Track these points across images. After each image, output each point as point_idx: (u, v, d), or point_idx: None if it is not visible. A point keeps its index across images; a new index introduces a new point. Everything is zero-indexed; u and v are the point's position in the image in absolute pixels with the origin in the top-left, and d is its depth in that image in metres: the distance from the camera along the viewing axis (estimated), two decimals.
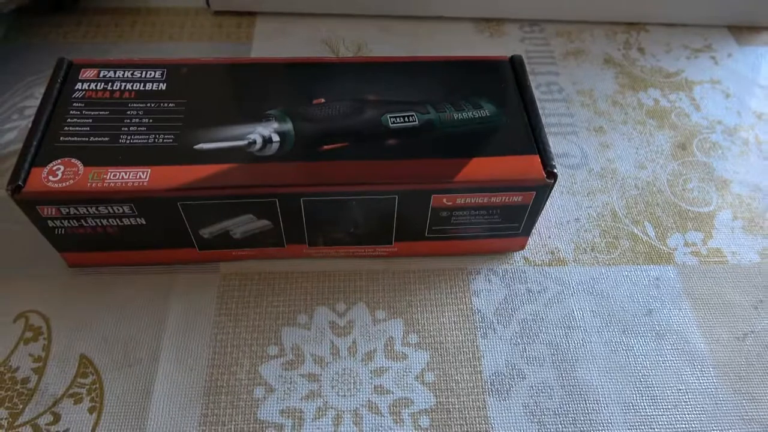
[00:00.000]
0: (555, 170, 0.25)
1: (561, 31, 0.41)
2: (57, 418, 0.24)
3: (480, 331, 0.27)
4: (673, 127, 0.35)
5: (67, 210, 0.24)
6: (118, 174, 0.24)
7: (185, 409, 0.24)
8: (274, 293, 0.28)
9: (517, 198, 0.25)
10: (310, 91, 0.27)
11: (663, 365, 0.27)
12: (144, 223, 0.25)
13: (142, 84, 0.27)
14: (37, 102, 0.35)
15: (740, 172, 0.33)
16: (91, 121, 0.25)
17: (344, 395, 0.25)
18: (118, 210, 0.24)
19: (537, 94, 0.37)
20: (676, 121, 0.36)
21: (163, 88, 0.27)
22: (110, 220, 0.25)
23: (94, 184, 0.23)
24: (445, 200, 0.25)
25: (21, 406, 0.24)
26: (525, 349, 0.27)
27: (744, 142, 0.35)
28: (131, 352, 0.26)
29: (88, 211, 0.24)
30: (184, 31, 0.40)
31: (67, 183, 0.23)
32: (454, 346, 0.27)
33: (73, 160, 0.24)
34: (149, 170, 0.24)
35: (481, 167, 0.25)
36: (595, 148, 0.34)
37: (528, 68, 0.38)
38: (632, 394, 0.26)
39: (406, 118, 0.26)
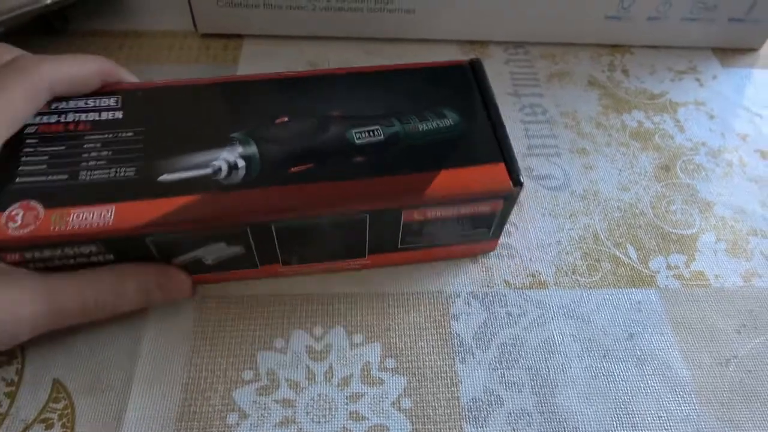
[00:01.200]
0: (521, 178, 0.25)
1: (545, 53, 0.41)
2: None
3: (459, 355, 0.27)
4: (657, 149, 0.35)
5: (32, 255, 0.23)
6: (81, 215, 0.23)
7: None
8: (252, 316, 0.28)
9: (485, 207, 0.26)
10: (272, 110, 0.26)
11: (644, 391, 0.26)
12: (113, 258, 0.24)
13: (96, 113, 0.26)
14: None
15: (724, 194, 0.33)
16: (47, 158, 0.24)
17: (319, 421, 0.25)
18: (85, 250, 0.24)
19: (520, 116, 0.37)
20: (660, 143, 0.36)
21: (120, 116, 0.26)
22: (78, 258, 0.24)
23: (57, 228, 0.22)
24: (415, 215, 0.25)
25: None
26: (504, 374, 0.26)
27: (728, 164, 0.35)
28: (104, 376, 0.26)
29: (53, 253, 0.23)
30: (171, 53, 0.40)
31: (29, 229, 0.22)
32: (431, 371, 0.26)
33: (32, 203, 0.23)
34: (113, 208, 0.23)
35: (448, 180, 0.25)
36: (578, 170, 0.34)
37: (512, 90, 0.38)
38: (612, 421, 0.25)
39: (372, 133, 0.26)
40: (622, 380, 0.26)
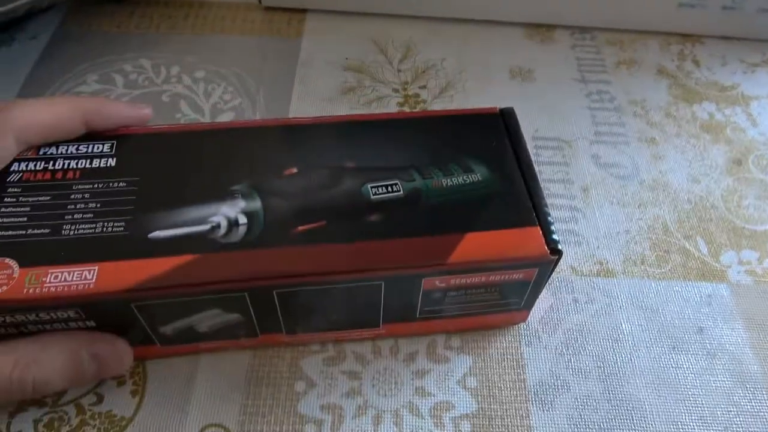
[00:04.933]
0: (559, 246, 0.22)
1: (613, 40, 0.40)
2: (100, 399, 0.24)
3: (525, 338, 0.27)
4: (728, 142, 0.34)
5: (2, 319, 0.21)
6: (60, 275, 0.20)
7: (226, 399, 0.24)
8: None
9: (517, 276, 0.23)
10: (280, 160, 0.24)
11: (713, 385, 0.26)
12: (94, 325, 0.22)
13: (87, 160, 0.23)
14: (90, 89, 0.35)
15: None
16: (28, 209, 0.22)
17: (385, 395, 0.25)
18: (63, 315, 0.21)
19: (587, 102, 0.36)
20: (732, 136, 0.35)
21: (113, 163, 0.23)
22: (54, 324, 0.21)
23: (31, 290, 0.20)
24: (437, 282, 0.22)
25: None
26: (570, 359, 0.26)
27: None
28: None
29: (27, 318, 0.21)
30: (235, 25, 0.40)
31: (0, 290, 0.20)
32: (497, 353, 0.26)
33: (6, 261, 0.20)
34: (96, 268, 0.20)
35: (475, 244, 0.22)
36: (647, 160, 0.33)
37: (578, 75, 0.38)
38: (681, 412, 0.25)
39: (390, 188, 0.23)
40: (691, 373, 0.26)
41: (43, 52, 0.38)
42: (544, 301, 0.28)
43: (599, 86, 0.37)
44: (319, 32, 0.39)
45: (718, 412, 0.25)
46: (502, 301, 0.24)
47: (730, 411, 0.25)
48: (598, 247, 0.30)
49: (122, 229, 0.22)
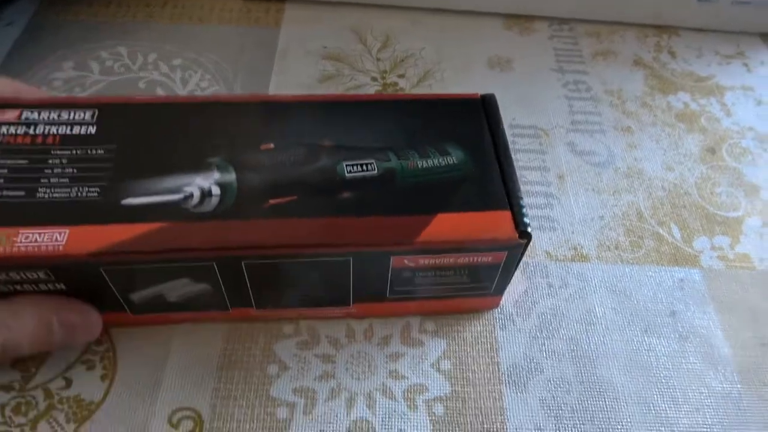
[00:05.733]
0: (528, 229, 0.22)
1: (590, 31, 0.40)
2: (69, 383, 0.24)
3: (499, 322, 0.27)
4: (703, 131, 0.35)
5: None
6: (31, 236, 0.20)
7: (198, 383, 0.24)
8: None
9: (486, 258, 0.23)
10: (258, 135, 0.24)
11: (685, 367, 0.26)
12: (64, 288, 0.22)
13: (68, 127, 0.23)
14: (65, 75, 0.35)
15: None
16: (6, 171, 0.22)
17: (358, 378, 0.25)
18: (32, 276, 0.21)
19: (564, 91, 0.36)
20: (706, 125, 0.35)
21: (93, 131, 0.23)
22: (24, 285, 0.22)
23: (1, 249, 0.20)
24: (406, 261, 0.22)
25: (33, 370, 0.24)
26: (544, 343, 0.26)
27: None
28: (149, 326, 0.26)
29: None
30: (213, 14, 0.40)
31: None
32: (471, 336, 0.26)
33: None
34: (67, 231, 0.21)
35: (446, 225, 0.22)
36: (622, 148, 0.34)
37: (556, 66, 0.38)
38: (653, 394, 0.25)
39: (364, 167, 0.23)
40: (663, 355, 0.26)
41: (19, 38, 0.37)
42: (518, 285, 0.28)
43: (576, 76, 0.37)
44: (298, 21, 0.39)
45: (690, 394, 0.25)
46: (473, 284, 0.24)
47: (702, 392, 0.25)
48: (573, 232, 0.30)
49: (96, 194, 0.22)
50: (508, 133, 0.34)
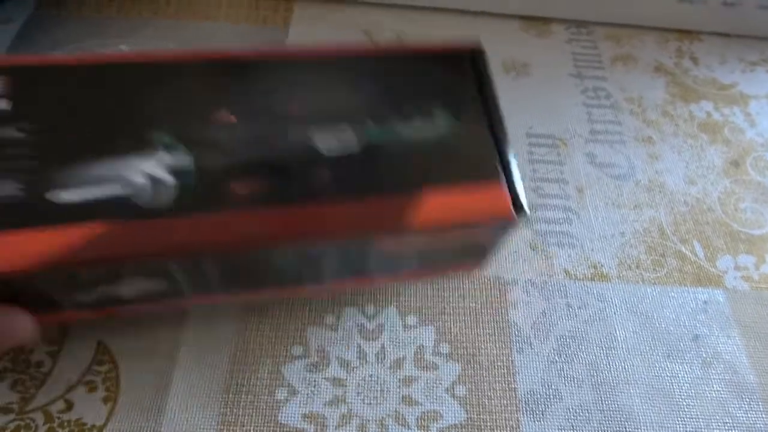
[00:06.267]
0: (524, 205, 0.20)
1: (610, 35, 0.39)
2: (70, 405, 0.23)
3: (516, 345, 0.26)
4: (726, 143, 0.34)
5: None
6: None
7: (204, 407, 0.23)
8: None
9: (476, 236, 0.21)
10: (212, 102, 0.20)
11: (709, 395, 0.25)
12: None
13: None
14: None
15: None
16: None
17: (370, 403, 0.24)
18: None
19: (583, 98, 0.35)
20: (730, 137, 0.34)
21: (7, 107, 0.19)
22: None
23: None
24: (390, 243, 0.20)
25: (33, 391, 0.23)
26: (563, 367, 0.25)
27: None
28: (151, 341, 0.25)
29: None
30: (220, 11, 0.38)
31: None
32: (487, 360, 0.25)
33: None
34: None
35: (433, 205, 0.20)
36: (643, 160, 0.32)
37: (574, 71, 0.37)
38: (675, 423, 0.24)
39: (340, 138, 0.20)
40: (686, 382, 0.25)
41: (18, 36, 0.36)
42: (536, 305, 0.27)
43: (595, 82, 0.36)
44: (308, 21, 0.38)
45: (713, 424, 0.24)
46: (460, 257, 0.23)
47: (726, 422, 0.24)
48: (593, 249, 0.29)
49: (18, 189, 0.18)
50: (525, 142, 0.33)
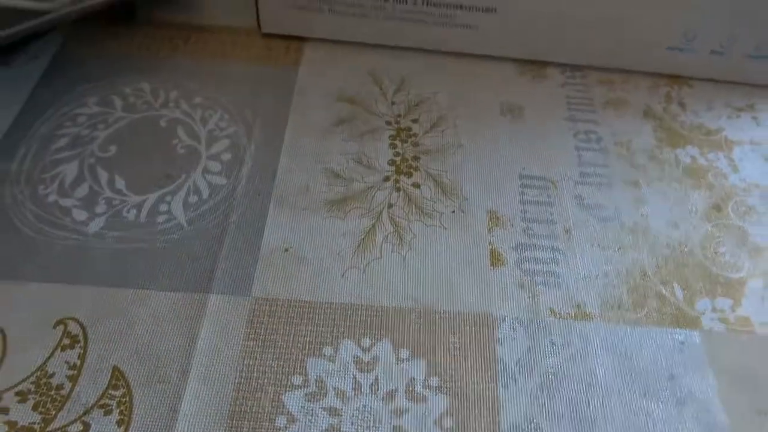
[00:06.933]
0: None
1: (603, 79, 0.41)
2: (86, 427, 0.25)
3: (501, 380, 0.27)
4: (710, 188, 0.35)
5: None
6: None
7: (209, 431, 0.25)
8: (302, 322, 0.29)
9: None
10: None
11: None
12: None
13: None
14: (90, 111, 0.36)
15: None
16: None
17: None
18: None
19: (574, 141, 0.37)
20: (713, 181, 0.36)
21: None
22: None
23: None
24: None
25: (54, 413, 0.25)
26: (545, 403, 0.27)
27: None
28: (162, 368, 0.27)
29: None
30: (234, 51, 0.41)
31: None
32: (474, 393, 0.27)
33: None
34: None
35: None
36: (629, 203, 0.34)
37: (568, 114, 0.39)
38: None
39: None
40: (660, 420, 0.27)
41: (45, 72, 0.38)
42: (522, 342, 0.29)
43: (587, 126, 0.38)
44: (317, 61, 0.40)
45: None
46: None
47: None
48: (577, 289, 0.31)
49: None
50: (517, 183, 0.35)
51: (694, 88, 0.41)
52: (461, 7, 0.38)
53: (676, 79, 0.41)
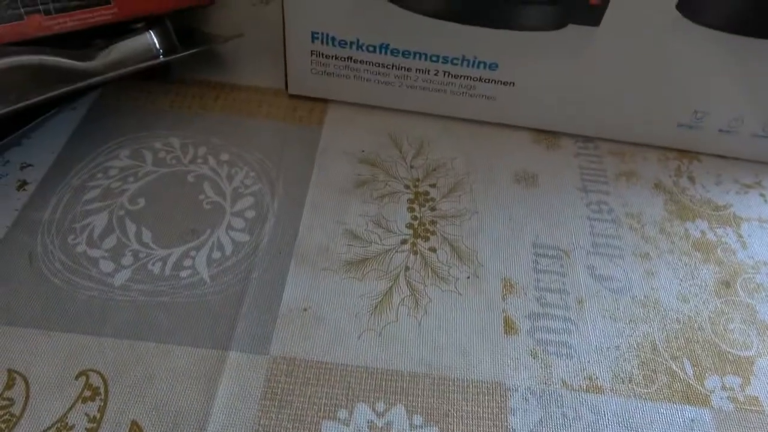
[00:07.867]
0: None
1: (615, 151, 0.42)
2: None
3: None
4: (719, 263, 0.36)
5: None
6: None
7: None
8: (319, 383, 0.29)
9: None
10: None
11: None
12: None
13: None
14: (121, 164, 0.38)
15: None
16: None
17: None
18: None
19: (587, 212, 0.38)
20: (722, 257, 0.37)
21: None
22: None
23: None
24: None
25: None
26: None
27: None
28: (179, 425, 0.27)
29: None
30: (261, 109, 0.42)
31: None
32: None
33: None
34: None
35: None
36: (640, 275, 0.35)
37: (581, 185, 0.40)
38: None
39: None
40: None
41: (81, 123, 0.40)
42: (534, 414, 0.29)
43: (599, 196, 0.39)
44: (339, 123, 0.42)
45: None
46: None
47: None
48: (589, 361, 0.31)
49: None
50: (530, 252, 0.36)
51: (703, 163, 0.42)
52: (481, 79, 0.40)
53: (685, 153, 0.43)
